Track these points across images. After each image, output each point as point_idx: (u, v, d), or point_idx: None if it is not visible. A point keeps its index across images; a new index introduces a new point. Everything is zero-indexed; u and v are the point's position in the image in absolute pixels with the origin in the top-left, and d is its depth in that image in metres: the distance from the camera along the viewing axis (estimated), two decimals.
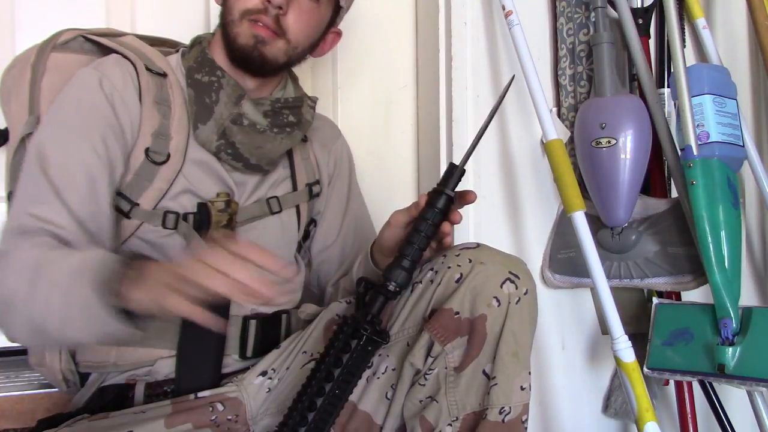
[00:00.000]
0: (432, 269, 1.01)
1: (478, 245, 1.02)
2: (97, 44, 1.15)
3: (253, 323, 1.09)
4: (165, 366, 1.04)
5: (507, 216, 1.49)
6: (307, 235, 1.25)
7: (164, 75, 1.09)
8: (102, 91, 1.02)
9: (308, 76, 1.55)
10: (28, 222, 0.94)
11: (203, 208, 1.04)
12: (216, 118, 1.07)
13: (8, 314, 0.88)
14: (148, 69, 1.07)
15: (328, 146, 1.30)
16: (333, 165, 1.29)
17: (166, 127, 1.05)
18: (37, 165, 0.97)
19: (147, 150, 1.03)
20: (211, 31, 1.18)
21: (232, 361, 1.09)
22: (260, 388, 1.06)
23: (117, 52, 1.09)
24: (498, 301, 0.96)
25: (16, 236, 0.93)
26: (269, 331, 1.12)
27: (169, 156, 1.04)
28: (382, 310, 0.97)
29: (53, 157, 0.98)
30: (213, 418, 1.02)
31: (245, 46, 1.08)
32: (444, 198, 0.97)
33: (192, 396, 1.03)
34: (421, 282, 1.01)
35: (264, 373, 1.07)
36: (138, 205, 1.03)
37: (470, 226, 1.44)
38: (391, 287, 0.95)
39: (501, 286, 0.96)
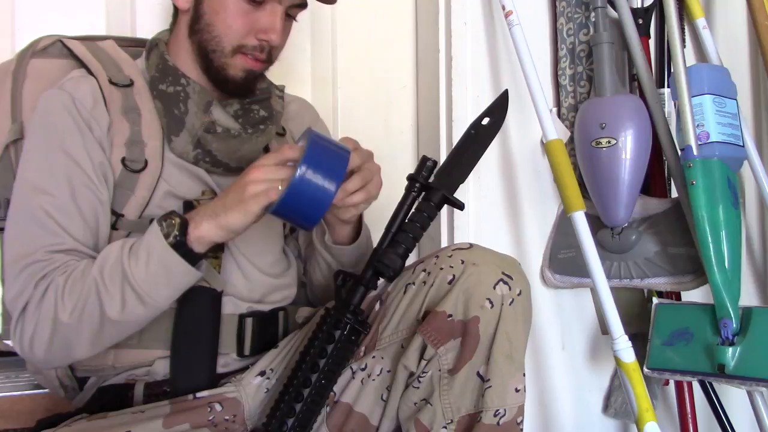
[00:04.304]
0: (425, 270, 1.01)
1: (471, 246, 1.02)
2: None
3: (249, 321, 1.09)
4: (163, 366, 1.04)
5: (507, 216, 1.48)
6: (294, 228, 1.24)
7: (130, 84, 1.07)
8: (77, 111, 1.01)
9: (308, 76, 1.55)
10: (45, 256, 0.95)
11: (189, 206, 1.04)
12: (189, 129, 1.06)
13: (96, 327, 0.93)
14: (111, 82, 1.06)
15: None
16: None
17: (138, 134, 1.04)
18: (34, 202, 0.97)
19: (123, 159, 1.03)
20: (167, 28, 1.15)
21: (230, 360, 1.09)
22: (259, 389, 1.06)
23: (83, 63, 1.09)
24: (491, 302, 0.96)
25: (42, 271, 0.94)
26: (267, 329, 1.12)
27: (146, 163, 1.04)
28: (362, 300, 1.00)
29: (49, 190, 0.98)
30: (211, 418, 1.02)
31: (235, 78, 1.07)
32: (441, 195, 1.00)
33: (191, 396, 1.03)
34: (413, 283, 1.01)
35: (263, 373, 1.07)
36: (123, 216, 1.03)
37: (470, 226, 1.44)
38: (391, 273, 0.98)
39: (494, 288, 0.96)
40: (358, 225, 1.14)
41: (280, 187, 0.90)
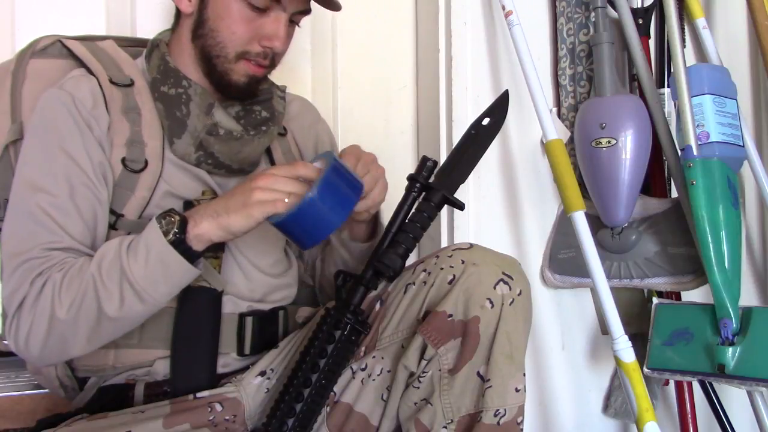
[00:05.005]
0: (425, 270, 1.01)
1: (471, 246, 1.02)
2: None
3: (249, 320, 1.09)
4: (164, 366, 1.04)
5: (507, 216, 1.48)
6: None
7: (131, 84, 1.07)
8: (77, 111, 1.01)
9: (308, 76, 1.55)
10: (42, 253, 0.95)
11: (189, 206, 1.03)
12: (191, 131, 1.06)
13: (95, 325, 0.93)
14: (112, 82, 1.06)
15: (307, 133, 1.28)
16: (313, 150, 1.27)
17: (138, 134, 1.04)
18: (33, 200, 0.97)
19: (123, 159, 1.03)
20: (168, 28, 1.15)
21: (231, 359, 1.09)
22: (259, 389, 1.06)
23: (83, 63, 1.09)
24: (491, 302, 0.96)
25: (38, 268, 0.94)
26: (267, 328, 1.12)
27: (146, 163, 1.04)
28: (362, 300, 1.01)
29: (48, 188, 0.98)
30: (211, 418, 1.02)
31: (238, 83, 1.07)
32: (441, 195, 1.00)
33: (191, 396, 1.03)
34: (414, 283, 1.01)
35: (263, 373, 1.07)
36: (123, 216, 1.03)
37: (470, 226, 1.44)
38: (391, 273, 0.98)
39: (494, 288, 0.96)
40: (374, 222, 1.14)
41: (286, 200, 0.90)
